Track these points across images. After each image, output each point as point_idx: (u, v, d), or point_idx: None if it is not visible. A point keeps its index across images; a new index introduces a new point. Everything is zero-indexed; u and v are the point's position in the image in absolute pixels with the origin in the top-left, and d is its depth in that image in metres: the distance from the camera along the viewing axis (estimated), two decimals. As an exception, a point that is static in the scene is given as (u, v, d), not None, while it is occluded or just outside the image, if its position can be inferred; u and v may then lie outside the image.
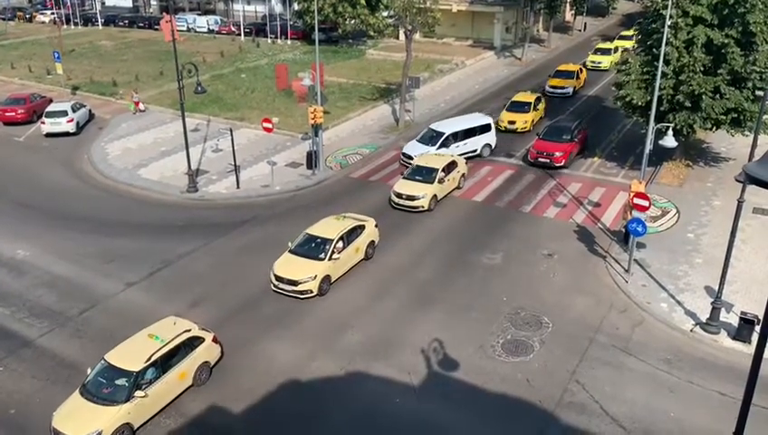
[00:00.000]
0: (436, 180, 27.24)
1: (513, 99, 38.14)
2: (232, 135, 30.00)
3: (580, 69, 46.51)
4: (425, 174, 27.51)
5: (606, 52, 52.92)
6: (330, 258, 21.26)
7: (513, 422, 15.98)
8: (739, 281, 21.12)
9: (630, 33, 56.39)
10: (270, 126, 31.52)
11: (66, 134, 37.22)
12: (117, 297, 21.37)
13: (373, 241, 23.45)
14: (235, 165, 29.97)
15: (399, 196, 27.05)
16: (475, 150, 32.07)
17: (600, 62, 51.63)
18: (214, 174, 31.35)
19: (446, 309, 20.41)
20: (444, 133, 31.37)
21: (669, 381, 17.18)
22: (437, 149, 30.51)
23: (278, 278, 20.93)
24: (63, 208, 28.11)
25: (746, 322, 18.22)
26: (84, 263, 23.45)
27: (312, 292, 20.72)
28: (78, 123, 37.95)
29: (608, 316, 19.96)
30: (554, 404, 16.43)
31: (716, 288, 18.85)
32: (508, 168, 31.78)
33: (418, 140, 31.98)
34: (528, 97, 38.02)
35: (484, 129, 32.55)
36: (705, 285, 21.17)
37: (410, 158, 30.65)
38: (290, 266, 21.10)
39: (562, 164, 30.66)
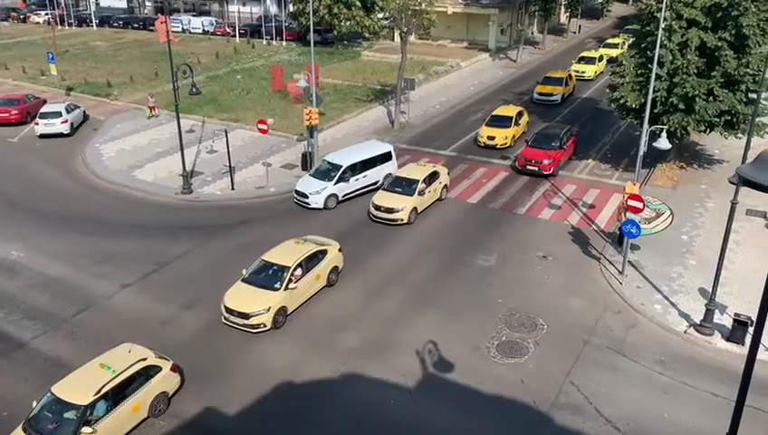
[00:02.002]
0: (417, 192, 26.25)
1: (493, 112, 36.11)
2: (227, 136, 29.95)
3: (569, 75, 44.78)
4: (405, 186, 26.52)
5: (590, 61, 50.18)
6: (286, 288, 19.57)
7: (507, 423, 16.00)
8: (733, 283, 21.19)
9: (616, 41, 55.98)
10: (265, 127, 31.48)
11: (60, 135, 37.11)
12: (111, 299, 21.30)
13: (336, 266, 21.81)
14: (229, 166, 29.92)
15: (378, 208, 26.05)
16: (376, 182, 28.72)
17: (584, 72, 48.67)
18: (208, 175, 31.30)
19: (441, 310, 20.43)
20: (341, 166, 27.82)
21: (663, 383, 17.24)
22: (335, 184, 27.39)
23: (228, 310, 19.26)
24: (57, 210, 28.01)
25: (740, 323, 18.30)
26: (78, 264, 23.38)
27: (265, 326, 19.05)
28: (72, 124, 37.83)
29: (602, 318, 20.02)
30: (549, 405, 16.47)
31: (710, 290, 18.91)
32: (503, 169, 31.83)
33: (312, 175, 28.40)
34: (510, 111, 35.84)
35: (385, 157, 29.44)
36: (698, 286, 21.25)
37: (304, 196, 27.30)
38: (241, 297, 19.37)
39: (551, 172, 30.34)
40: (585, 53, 51.82)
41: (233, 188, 29.59)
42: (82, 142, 36.55)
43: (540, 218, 26.77)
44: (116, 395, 15.22)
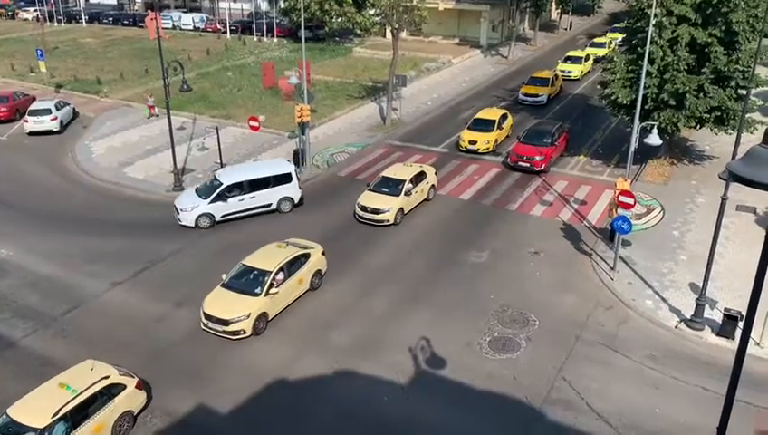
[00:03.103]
0: (403, 193, 25.82)
1: (476, 116, 34.89)
2: (218, 133, 29.84)
3: (555, 75, 43.84)
4: (391, 186, 26.09)
5: (576, 60, 48.86)
6: (267, 293, 19.11)
7: (499, 419, 16.05)
8: (723, 278, 21.31)
9: (603, 40, 55.37)
10: (256, 124, 31.41)
11: (50, 133, 36.86)
12: (102, 297, 21.19)
13: (320, 270, 21.39)
14: (221, 163, 29.80)
15: (364, 209, 25.58)
16: (269, 205, 26.44)
17: (569, 72, 47.45)
18: (200, 172, 31.16)
19: (434, 307, 20.44)
20: (221, 184, 25.65)
21: (654, 378, 17.33)
22: (210, 203, 25.30)
23: (207, 317, 18.79)
24: (47, 208, 27.82)
25: (730, 318, 18.42)
26: (68, 262, 23.24)
27: (245, 332, 18.59)
28: (62, 122, 37.58)
29: (594, 313, 20.09)
30: (541, 401, 16.52)
31: (701, 285, 19.01)
32: (494, 166, 31.87)
33: (196, 190, 26.44)
34: (493, 114, 34.78)
35: (282, 179, 26.50)
36: (689, 281, 21.36)
37: (177, 211, 25.72)
38: (221, 303, 18.87)
39: (542, 169, 30.28)
40: (571, 53, 50.66)
41: (224, 186, 29.46)
42: (72, 140, 36.31)
43: (532, 215, 26.83)
44: (76, 416, 14.51)
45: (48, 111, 37.03)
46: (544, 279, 22.06)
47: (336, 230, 25.32)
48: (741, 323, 18.16)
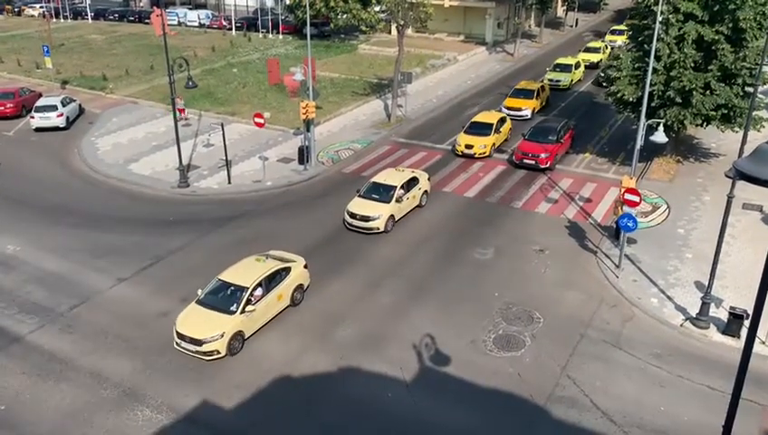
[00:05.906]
0: (394, 199, 24.94)
1: (473, 119, 33.56)
2: (223, 130, 29.88)
3: (542, 87, 40.45)
4: (381, 192, 25.16)
5: (566, 68, 45.13)
6: (243, 311, 18.12)
7: (504, 416, 16.05)
8: (728, 276, 21.26)
9: (597, 44, 52.91)
10: (261, 121, 31.44)
11: (56, 129, 36.92)
12: (108, 293, 21.27)
13: (302, 284, 20.38)
14: (226, 160, 29.86)
15: (353, 216, 24.60)
16: None
17: (558, 81, 44.03)
18: (205, 169, 31.22)
19: (438, 304, 20.46)
20: None
21: (659, 376, 17.30)
22: None
23: (180, 336, 17.79)
24: (53, 204, 27.91)
25: (735, 316, 18.38)
26: (74, 258, 23.32)
27: (218, 353, 17.58)
28: (68, 118, 37.65)
29: (598, 311, 20.07)
30: (545, 399, 16.52)
31: (706, 283, 18.97)
32: (499, 163, 31.82)
33: None
34: (491, 118, 33.37)
35: None
36: (694, 280, 21.31)
37: None
38: (194, 322, 17.89)
39: (548, 166, 30.12)
40: (561, 60, 46.72)
41: (229, 182, 29.53)
42: (78, 136, 36.39)
43: (537, 212, 26.79)
44: None
45: (54, 108, 37.09)
46: (549, 277, 22.05)
47: (340, 227, 25.34)
48: (747, 322, 18.11)
